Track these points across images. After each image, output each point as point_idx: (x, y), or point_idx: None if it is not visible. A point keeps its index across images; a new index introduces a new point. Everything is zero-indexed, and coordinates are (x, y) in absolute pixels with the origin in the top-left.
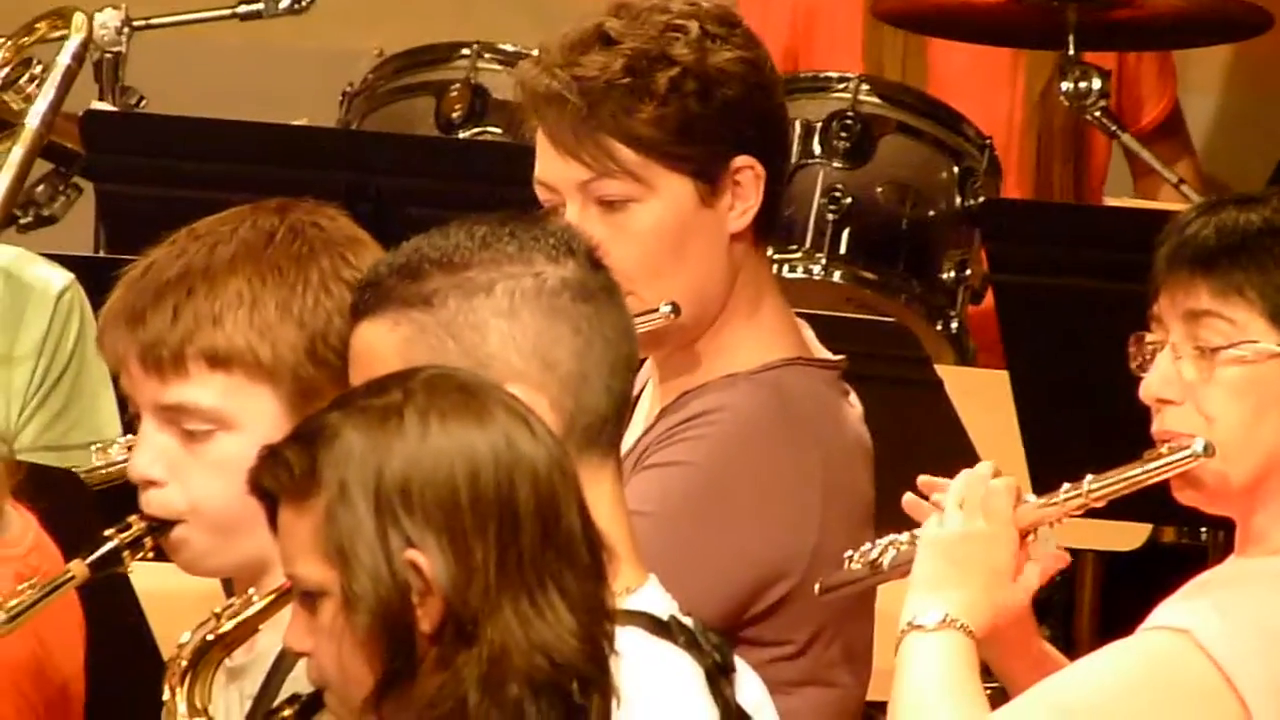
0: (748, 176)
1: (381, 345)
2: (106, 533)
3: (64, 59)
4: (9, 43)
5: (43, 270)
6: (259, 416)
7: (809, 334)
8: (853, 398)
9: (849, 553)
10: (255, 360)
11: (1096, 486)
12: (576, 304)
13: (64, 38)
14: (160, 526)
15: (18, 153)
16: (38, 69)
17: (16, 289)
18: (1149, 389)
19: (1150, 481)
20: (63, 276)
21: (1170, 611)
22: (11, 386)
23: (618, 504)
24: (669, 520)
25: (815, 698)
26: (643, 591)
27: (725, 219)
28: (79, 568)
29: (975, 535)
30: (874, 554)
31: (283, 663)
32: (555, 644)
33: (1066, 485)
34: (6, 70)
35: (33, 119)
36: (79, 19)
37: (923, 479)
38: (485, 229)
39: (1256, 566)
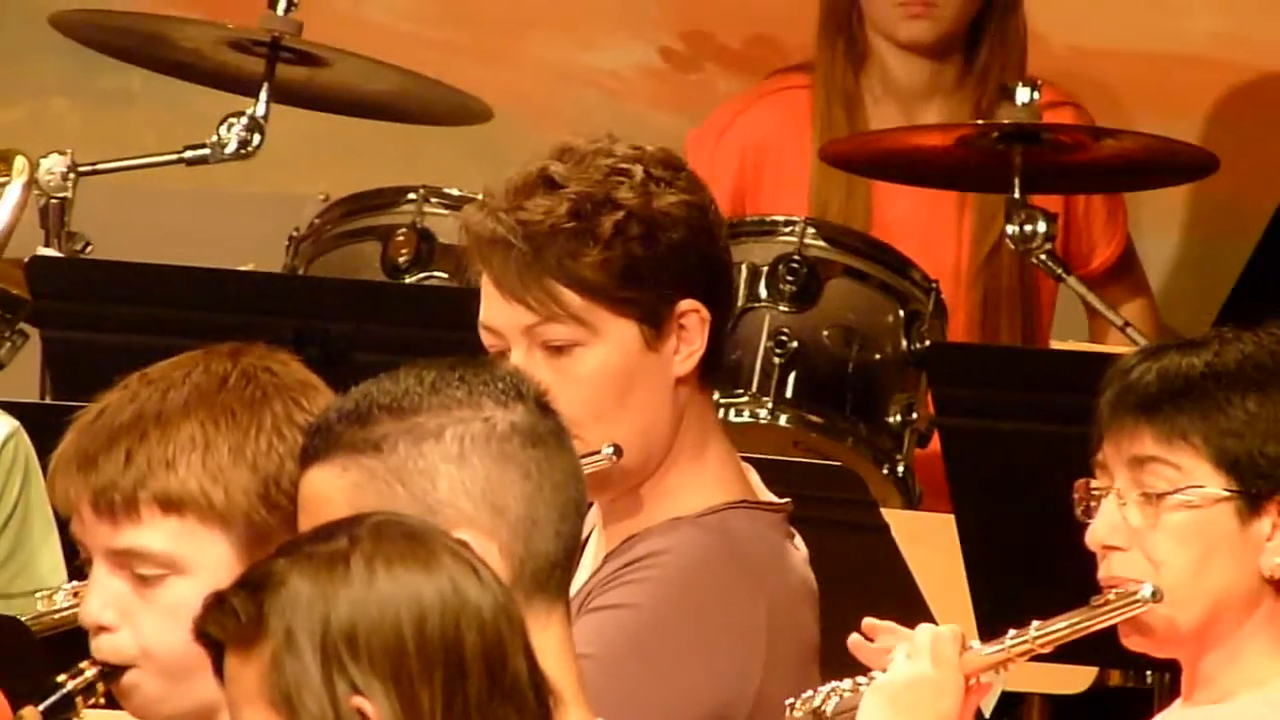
0: (693, 320)
1: (330, 491)
2: (59, 678)
3: (6, 203)
4: None
5: None
6: (211, 561)
7: (754, 477)
8: (798, 541)
9: (790, 700)
10: (208, 504)
11: (1043, 633)
12: (526, 449)
13: (5, 182)
14: (112, 672)
15: None
16: None
17: None
18: (1095, 536)
19: (1097, 627)
20: (6, 424)
21: None
22: None
23: (566, 648)
24: (613, 663)
25: None
26: None
27: (670, 362)
28: (31, 714)
29: (922, 681)
30: (816, 701)
31: None
32: None
33: (1013, 631)
34: None
35: None
36: (20, 163)
37: (867, 621)
38: (434, 374)
39: (1204, 715)
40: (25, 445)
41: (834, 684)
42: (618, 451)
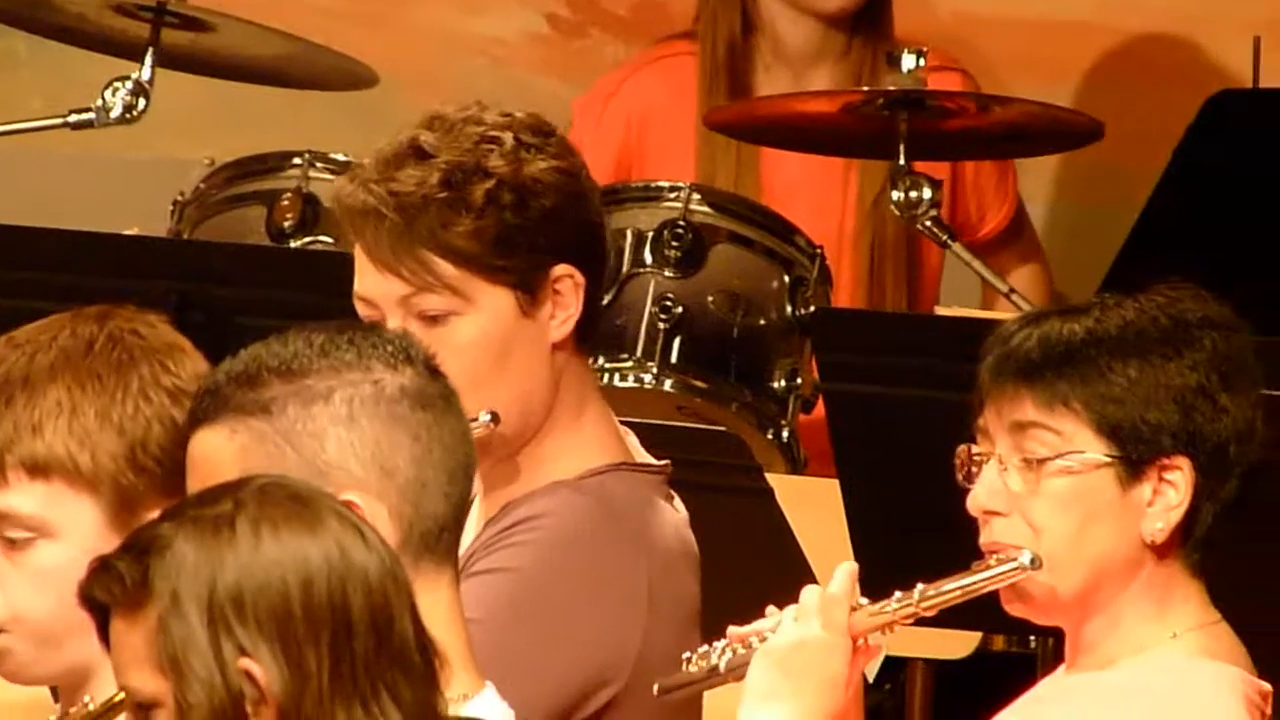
0: (567, 285)
1: (219, 453)
2: None
3: None
4: None
5: None
6: (80, 524)
7: (633, 440)
8: (677, 503)
9: (687, 654)
10: (75, 468)
11: (927, 596)
12: (415, 411)
13: None
14: None
15: None
16: None
17: None
18: (976, 501)
19: (979, 593)
20: None
21: None
22: None
23: (455, 610)
24: (494, 627)
25: None
26: (479, 699)
27: (546, 328)
28: None
29: (811, 643)
30: (712, 657)
31: None
32: None
33: (898, 594)
34: None
35: None
36: None
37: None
38: (324, 337)
39: (1093, 681)
40: None
41: (730, 640)
42: (495, 418)
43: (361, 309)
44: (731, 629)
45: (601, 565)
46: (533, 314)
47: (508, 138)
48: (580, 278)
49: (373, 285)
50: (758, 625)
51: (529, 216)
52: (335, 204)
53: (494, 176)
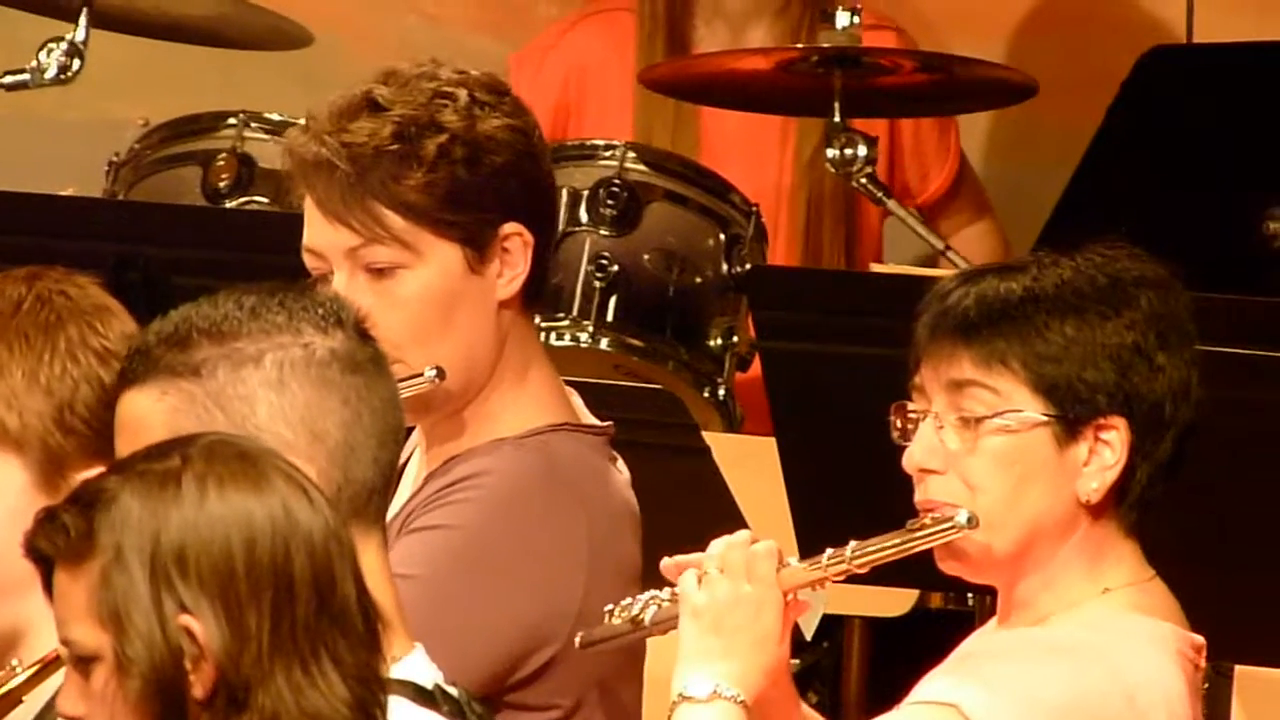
0: (516, 244)
1: (149, 414)
2: None
3: None
4: None
5: None
6: (6, 485)
7: (577, 401)
8: (620, 464)
9: (610, 606)
10: (2, 429)
11: (859, 553)
12: (345, 375)
13: None
14: None
15: None
16: None
17: None
18: (912, 459)
19: (913, 551)
20: None
21: (937, 685)
22: None
23: (383, 573)
24: (433, 584)
25: None
26: (408, 660)
27: (493, 286)
28: None
29: (741, 600)
30: (635, 609)
31: None
32: (327, 712)
33: (830, 550)
34: None
35: None
36: None
37: (676, 559)
38: (254, 299)
39: (1022, 637)
40: None
41: (653, 592)
42: (440, 374)
43: (309, 261)
44: (665, 561)
45: (542, 524)
46: (480, 271)
47: (462, 94)
48: (529, 237)
49: (321, 237)
50: (686, 559)
51: (480, 173)
52: (286, 155)
53: (447, 131)
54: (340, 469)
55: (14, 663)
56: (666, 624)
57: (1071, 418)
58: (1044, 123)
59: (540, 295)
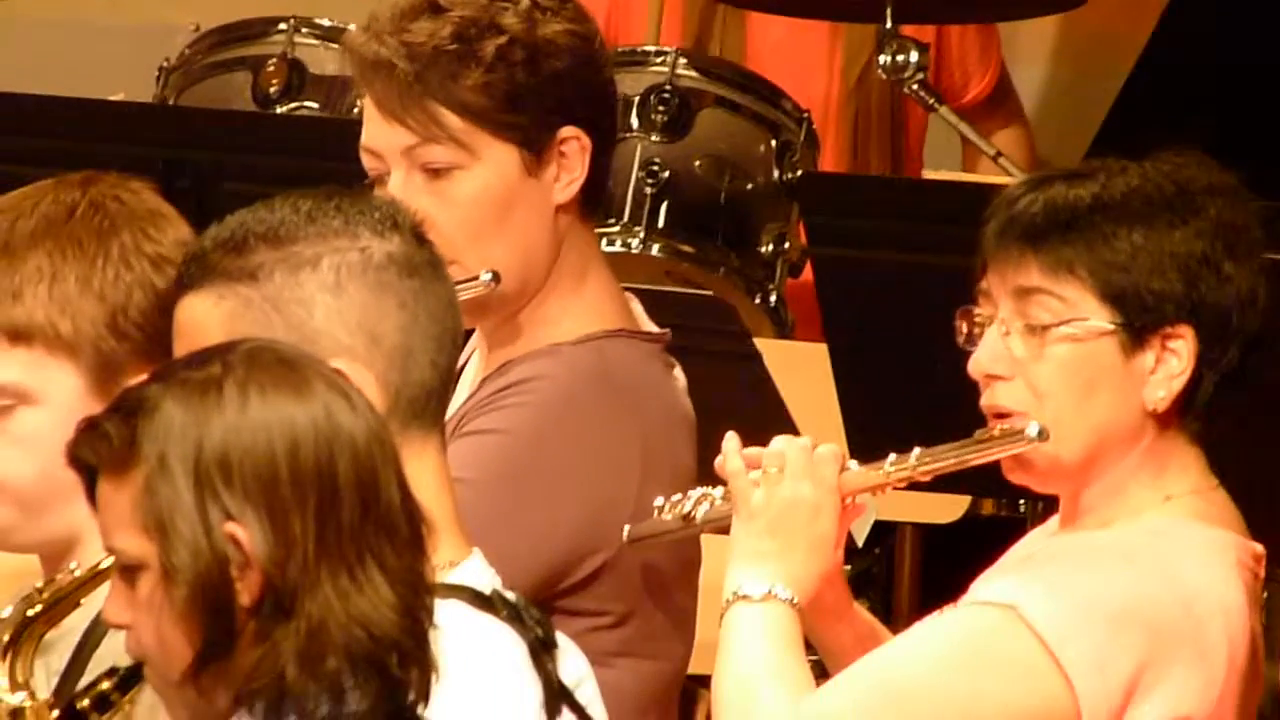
0: (574, 148)
1: (206, 319)
2: None
3: None
4: None
5: None
6: (61, 391)
7: (636, 307)
8: (677, 371)
9: (659, 501)
10: (56, 335)
11: (925, 462)
12: (402, 279)
13: None
14: None
15: None
16: None
17: None
18: (978, 364)
19: (980, 462)
20: None
21: (995, 586)
22: None
23: (442, 478)
24: (485, 487)
25: (635, 669)
26: (466, 565)
27: (550, 190)
28: None
29: (799, 501)
30: (687, 506)
31: (90, 637)
32: (373, 617)
33: (894, 456)
34: None
35: None
36: None
37: (743, 449)
38: (311, 203)
39: (1084, 540)
40: None
41: (705, 489)
42: (495, 277)
43: (367, 161)
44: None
45: (596, 430)
46: (537, 174)
47: None
48: (587, 141)
49: (379, 136)
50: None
51: (539, 76)
52: (346, 55)
53: (506, 34)
54: (398, 372)
55: (71, 565)
56: (717, 522)
57: (1138, 326)
58: (1096, 29)
59: (599, 201)
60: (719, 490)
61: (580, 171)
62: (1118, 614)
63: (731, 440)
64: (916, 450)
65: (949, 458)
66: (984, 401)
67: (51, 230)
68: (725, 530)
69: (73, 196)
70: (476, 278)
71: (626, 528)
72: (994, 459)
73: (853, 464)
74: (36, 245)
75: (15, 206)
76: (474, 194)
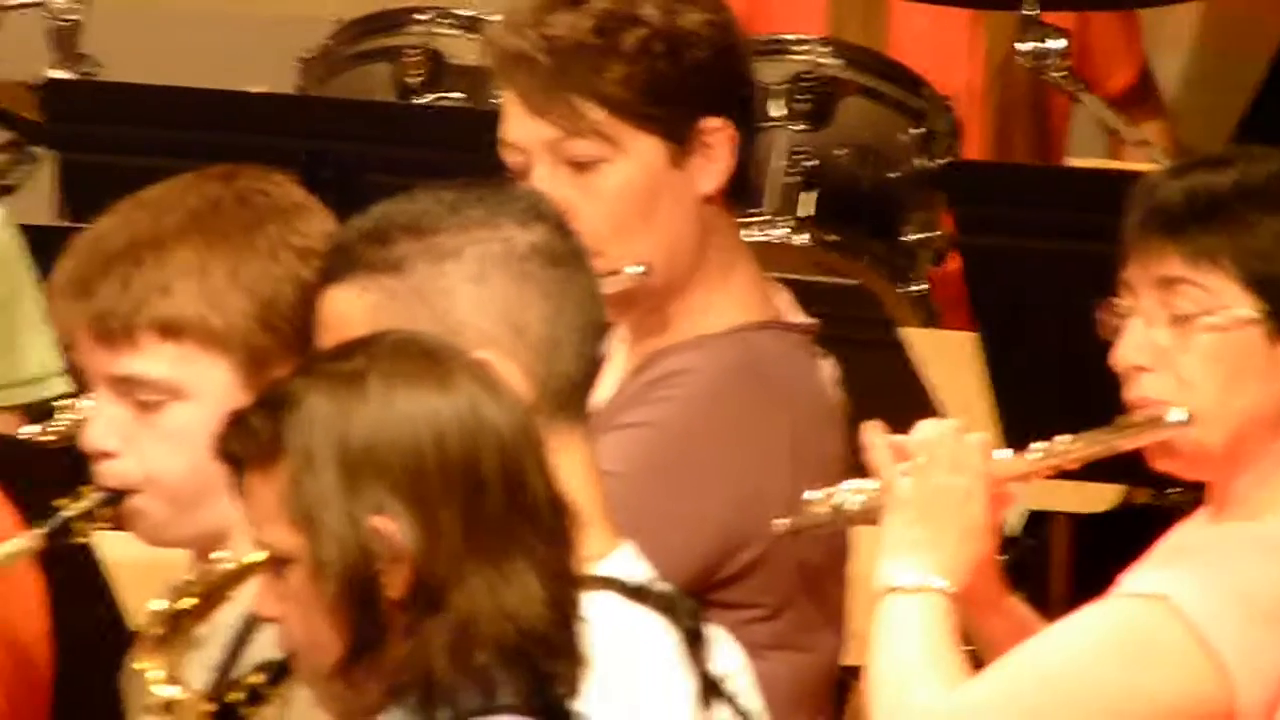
0: (718, 138)
1: (350, 311)
2: (59, 503)
3: None
4: None
5: None
6: (211, 385)
7: (784, 298)
8: (824, 361)
9: (809, 494)
10: (206, 329)
11: (1070, 448)
12: (546, 269)
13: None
14: (113, 497)
15: None
16: None
17: None
18: (1123, 356)
19: (1124, 448)
20: None
21: (1146, 577)
22: None
23: (589, 469)
24: (637, 482)
25: (788, 662)
26: (615, 557)
27: (695, 180)
28: (31, 538)
29: (950, 489)
30: (837, 498)
31: (245, 633)
32: (522, 610)
33: (1041, 444)
34: None
35: None
36: None
37: (890, 438)
38: (453, 194)
39: (1235, 532)
40: (12, 233)
41: (856, 482)
42: (645, 269)
43: (509, 155)
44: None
45: (746, 422)
46: (682, 165)
47: None
48: (731, 131)
49: (522, 130)
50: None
51: (681, 67)
52: (487, 49)
53: (647, 26)
54: (543, 363)
55: (224, 558)
56: (869, 514)
57: None
58: (1238, 14)
59: (743, 191)
60: (871, 483)
61: (724, 161)
62: (1272, 608)
63: (876, 430)
64: (1063, 438)
65: (1096, 444)
66: (1129, 394)
67: (199, 224)
68: (875, 521)
69: (218, 190)
70: (624, 270)
71: (776, 521)
72: (1139, 444)
73: (1002, 453)
74: (184, 239)
75: (160, 201)
76: (619, 187)
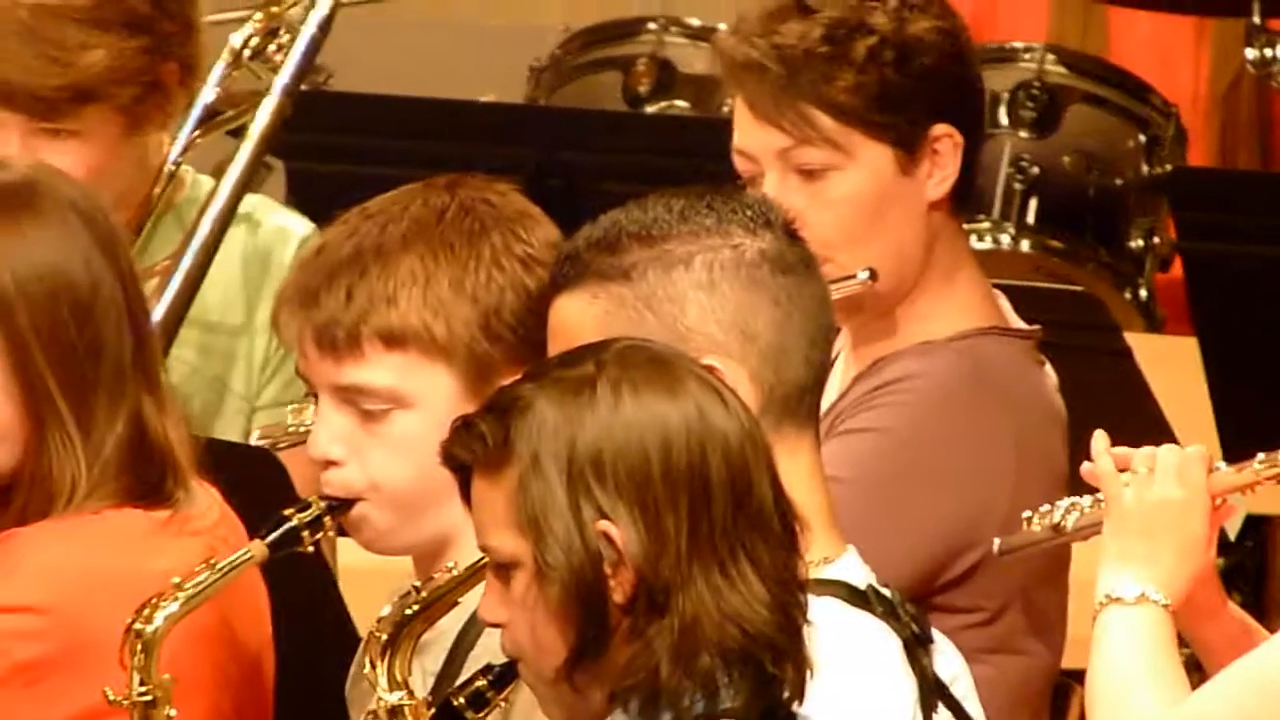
0: (946, 145)
1: (580, 318)
2: (286, 512)
3: (310, 27)
4: (260, 13)
5: (283, 218)
6: (436, 394)
7: (1005, 304)
8: (1048, 367)
9: (1027, 513)
10: (430, 338)
11: None
12: (775, 276)
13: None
14: (340, 505)
15: (262, 122)
16: (285, 38)
17: (259, 237)
18: None
19: None
20: (303, 225)
21: None
22: (254, 355)
23: (816, 474)
24: (864, 487)
25: (1007, 666)
26: (840, 561)
27: (924, 187)
28: (257, 548)
29: (1169, 503)
30: (1056, 516)
31: (466, 638)
32: (747, 614)
33: (1261, 455)
34: (257, 40)
35: (277, 88)
36: None
37: (1111, 449)
38: (683, 202)
39: None
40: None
41: (1073, 499)
42: (873, 276)
43: (739, 163)
44: (1086, 467)
45: (971, 428)
46: (911, 172)
47: None
48: (959, 138)
49: (752, 138)
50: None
51: (910, 74)
52: (717, 57)
53: (876, 33)
54: (772, 369)
55: (450, 565)
56: (1088, 530)
57: None
58: None
59: (969, 197)
60: (1087, 499)
61: (953, 169)
62: None
63: (1101, 440)
64: None
65: None
66: None
67: (423, 234)
68: (1090, 537)
69: (442, 199)
70: (854, 276)
71: (996, 541)
72: None
73: (1220, 465)
74: (409, 249)
75: (385, 211)
76: (849, 194)
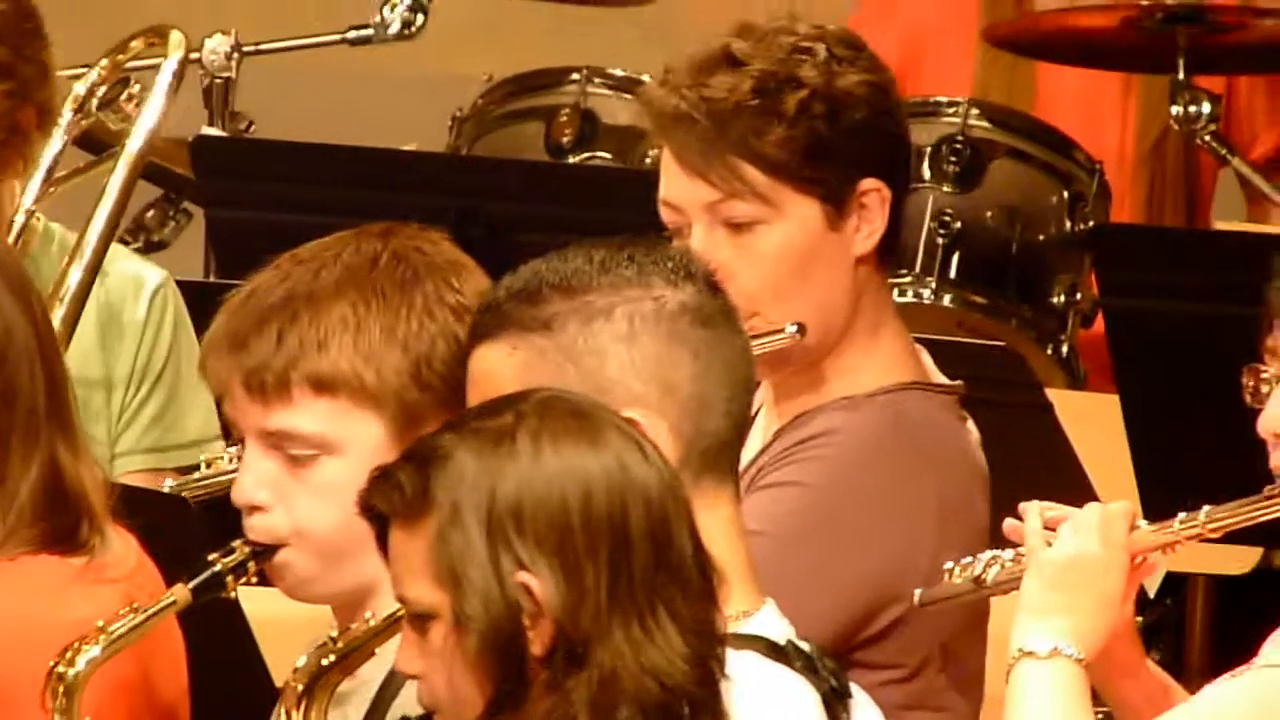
0: (874, 199)
1: (500, 369)
2: (210, 557)
3: (163, 79)
4: (106, 61)
5: (135, 266)
6: (363, 441)
7: (927, 359)
8: (970, 424)
9: (949, 565)
10: (360, 385)
11: (1214, 520)
12: (695, 328)
13: (162, 57)
14: (264, 551)
15: (119, 175)
16: (135, 89)
17: (108, 286)
18: (1267, 423)
19: (1269, 518)
20: (156, 274)
21: None
22: (113, 406)
23: (735, 528)
24: (783, 541)
25: None
26: (759, 615)
27: (851, 241)
28: (181, 592)
29: (1088, 558)
30: (977, 569)
31: (388, 688)
32: (665, 667)
33: (1183, 515)
34: (104, 89)
35: (133, 141)
36: (176, 37)
37: (1031, 504)
38: (604, 253)
39: None
40: (175, 296)
41: (995, 552)
42: (801, 330)
43: (666, 214)
44: (1009, 523)
45: (893, 484)
46: (839, 227)
47: (820, 49)
48: (887, 192)
49: (680, 190)
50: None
51: (840, 129)
52: (644, 108)
53: (807, 87)
54: (692, 422)
55: (367, 615)
56: (1008, 584)
57: None
58: None
59: (893, 251)
60: (1009, 552)
61: (880, 223)
62: None
63: (1034, 504)
64: (1206, 509)
65: (1239, 515)
66: (1274, 462)
67: (355, 280)
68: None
69: (375, 247)
70: (782, 330)
71: (917, 592)
72: None
73: (1142, 523)
74: (341, 295)
75: (317, 257)
76: (777, 248)
